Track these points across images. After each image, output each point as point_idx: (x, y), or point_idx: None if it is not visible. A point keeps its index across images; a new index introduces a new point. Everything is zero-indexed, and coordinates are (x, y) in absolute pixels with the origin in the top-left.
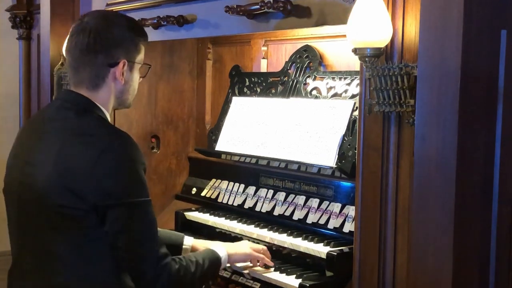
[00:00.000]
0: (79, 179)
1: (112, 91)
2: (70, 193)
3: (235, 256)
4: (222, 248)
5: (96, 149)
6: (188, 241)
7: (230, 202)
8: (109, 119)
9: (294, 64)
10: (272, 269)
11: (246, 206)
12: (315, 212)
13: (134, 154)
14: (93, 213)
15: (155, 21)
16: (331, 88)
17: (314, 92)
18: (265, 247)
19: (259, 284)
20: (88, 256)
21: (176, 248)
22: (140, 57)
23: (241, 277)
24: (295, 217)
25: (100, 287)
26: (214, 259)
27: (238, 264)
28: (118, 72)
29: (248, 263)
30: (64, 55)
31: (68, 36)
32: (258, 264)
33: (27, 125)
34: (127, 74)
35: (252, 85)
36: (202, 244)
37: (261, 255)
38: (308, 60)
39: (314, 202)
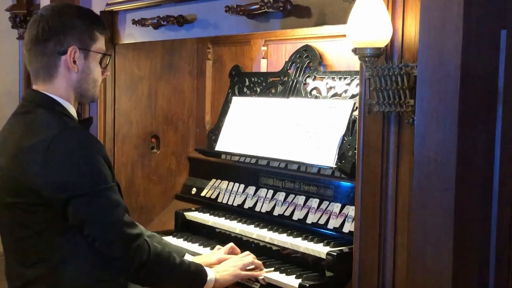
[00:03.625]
0: (32, 175)
1: (68, 82)
2: (26, 190)
3: (222, 280)
4: (211, 271)
5: (45, 143)
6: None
7: (230, 202)
8: (72, 111)
9: (294, 64)
10: (272, 268)
11: (246, 206)
12: (315, 212)
13: (83, 143)
14: (53, 207)
15: (155, 21)
16: (331, 88)
17: (314, 92)
18: (254, 260)
19: (259, 284)
20: (59, 249)
21: None
22: (97, 46)
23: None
24: (295, 217)
25: (74, 280)
26: (201, 271)
27: None
28: (69, 59)
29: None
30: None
31: None
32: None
33: (2, 128)
34: (81, 63)
35: (252, 85)
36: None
37: (250, 273)
38: (308, 60)
39: (314, 202)
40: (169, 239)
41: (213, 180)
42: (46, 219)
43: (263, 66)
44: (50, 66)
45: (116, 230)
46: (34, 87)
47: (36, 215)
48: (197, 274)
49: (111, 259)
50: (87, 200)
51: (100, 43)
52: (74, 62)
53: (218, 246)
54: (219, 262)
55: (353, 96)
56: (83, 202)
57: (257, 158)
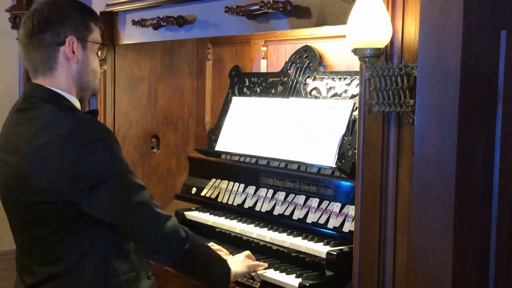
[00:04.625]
0: (50, 173)
1: (69, 73)
2: (44, 189)
3: (238, 272)
4: (229, 262)
5: (59, 139)
6: None
7: (230, 202)
8: (77, 105)
9: (294, 64)
10: (272, 269)
11: (246, 205)
12: (315, 211)
13: (101, 133)
14: (73, 203)
15: (155, 21)
16: (330, 88)
17: (314, 92)
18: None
19: (259, 284)
20: (77, 246)
21: None
22: (94, 36)
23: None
24: (295, 217)
25: (92, 275)
26: (224, 259)
27: None
28: (68, 49)
29: None
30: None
31: None
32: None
33: (4, 123)
34: (80, 53)
35: (252, 85)
36: None
37: (257, 262)
38: (308, 60)
39: (314, 201)
40: None
41: (213, 180)
42: (66, 217)
43: (263, 67)
44: (49, 59)
45: (146, 211)
46: (34, 81)
47: (56, 213)
48: (222, 261)
49: (151, 248)
50: (112, 185)
51: (96, 34)
52: (73, 52)
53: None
54: None
55: (353, 96)
56: (108, 187)
57: (257, 158)
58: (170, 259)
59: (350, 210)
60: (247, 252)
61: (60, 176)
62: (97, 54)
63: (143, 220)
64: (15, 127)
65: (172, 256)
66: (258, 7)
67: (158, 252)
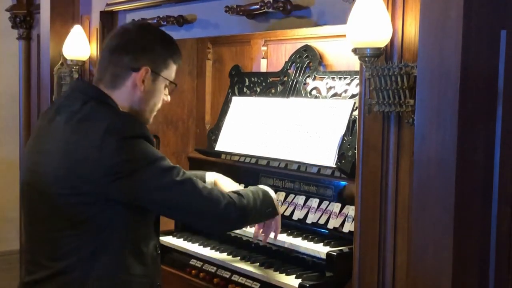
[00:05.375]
0: (88, 166)
1: (129, 97)
2: (81, 180)
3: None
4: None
5: (98, 133)
6: (210, 177)
7: None
8: None
9: (294, 64)
10: (272, 269)
11: None
12: (315, 212)
13: (137, 129)
14: (107, 195)
15: (155, 21)
16: (330, 88)
17: (314, 92)
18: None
19: (258, 284)
20: (92, 242)
21: None
22: (168, 73)
23: (241, 277)
24: (294, 217)
25: (103, 271)
26: (265, 191)
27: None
28: (139, 77)
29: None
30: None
31: None
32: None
33: (41, 115)
34: (148, 84)
35: (252, 85)
36: (222, 182)
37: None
38: (308, 60)
39: (314, 202)
40: (169, 239)
41: None
42: (90, 211)
43: (263, 66)
44: (119, 78)
45: (193, 185)
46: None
47: (82, 206)
48: (263, 196)
49: (212, 221)
50: (152, 169)
51: (170, 71)
52: (143, 81)
53: None
54: None
55: (353, 96)
56: (149, 172)
57: (257, 158)
58: (233, 222)
59: (350, 210)
60: None
61: (98, 167)
62: (165, 88)
63: (192, 193)
64: (55, 120)
65: (234, 216)
66: (258, 6)
67: (221, 220)
